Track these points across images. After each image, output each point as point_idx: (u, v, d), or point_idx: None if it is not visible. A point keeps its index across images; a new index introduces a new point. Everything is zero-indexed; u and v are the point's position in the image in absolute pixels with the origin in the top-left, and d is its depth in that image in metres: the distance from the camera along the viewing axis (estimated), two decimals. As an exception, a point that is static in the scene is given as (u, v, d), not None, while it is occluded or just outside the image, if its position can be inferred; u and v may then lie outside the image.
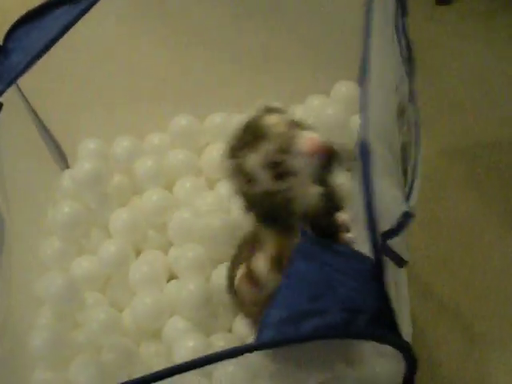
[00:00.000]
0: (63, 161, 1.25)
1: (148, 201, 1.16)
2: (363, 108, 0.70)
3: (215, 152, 1.17)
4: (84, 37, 1.18)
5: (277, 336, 0.62)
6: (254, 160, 0.84)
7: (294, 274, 0.68)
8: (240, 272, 0.88)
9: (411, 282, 1.11)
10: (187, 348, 0.96)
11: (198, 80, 1.27)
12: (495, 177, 1.27)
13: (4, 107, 0.96)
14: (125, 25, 1.23)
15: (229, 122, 1.22)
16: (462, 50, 1.49)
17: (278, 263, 0.85)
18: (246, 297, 0.89)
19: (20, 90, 1.14)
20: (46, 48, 0.81)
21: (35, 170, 1.16)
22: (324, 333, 0.62)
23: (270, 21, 1.24)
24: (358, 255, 0.69)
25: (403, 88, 0.89)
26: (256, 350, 0.63)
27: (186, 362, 0.64)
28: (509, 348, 1.06)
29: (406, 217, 0.65)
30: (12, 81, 0.81)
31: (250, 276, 0.86)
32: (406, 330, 0.72)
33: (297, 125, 0.86)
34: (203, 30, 1.25)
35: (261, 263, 0.86)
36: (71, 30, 1.06)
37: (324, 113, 1.20)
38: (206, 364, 0.64)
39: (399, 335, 0.63)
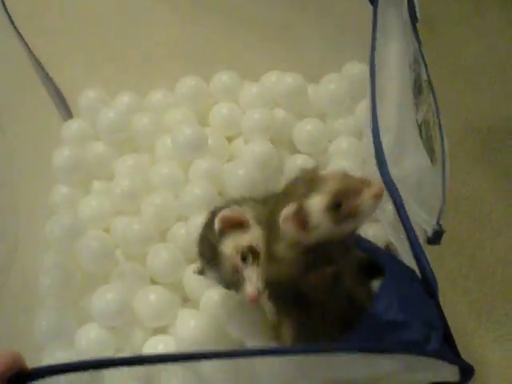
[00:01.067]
0: (66, 111, 1.23)
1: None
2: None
3: (223, 110, 1.17)
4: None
5: (368, 339, 0.68)
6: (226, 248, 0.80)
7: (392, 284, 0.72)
8: (288, 209, 0.72)
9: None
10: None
11: (208, 44, 1.23)
12: (508, 154, 1.26)
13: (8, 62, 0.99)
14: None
15: (235, 81, 1.21)
16: (481, 29, 1.47)
17: (334, 208, 0.71)
18: (289, 241, 0.74)
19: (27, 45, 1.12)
20: None
21: (39, 119, 1.13)
22: (406, 349, 0.64)
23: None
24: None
25: (419, 69, 0.88)
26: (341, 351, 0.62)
27: (262, 349, 0.63)
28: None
29: (438, 234, 0.80)
30: None
31: (300, 216, 0.72)
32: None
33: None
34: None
35: (315, 203, 0.72)
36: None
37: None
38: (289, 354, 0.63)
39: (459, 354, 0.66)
